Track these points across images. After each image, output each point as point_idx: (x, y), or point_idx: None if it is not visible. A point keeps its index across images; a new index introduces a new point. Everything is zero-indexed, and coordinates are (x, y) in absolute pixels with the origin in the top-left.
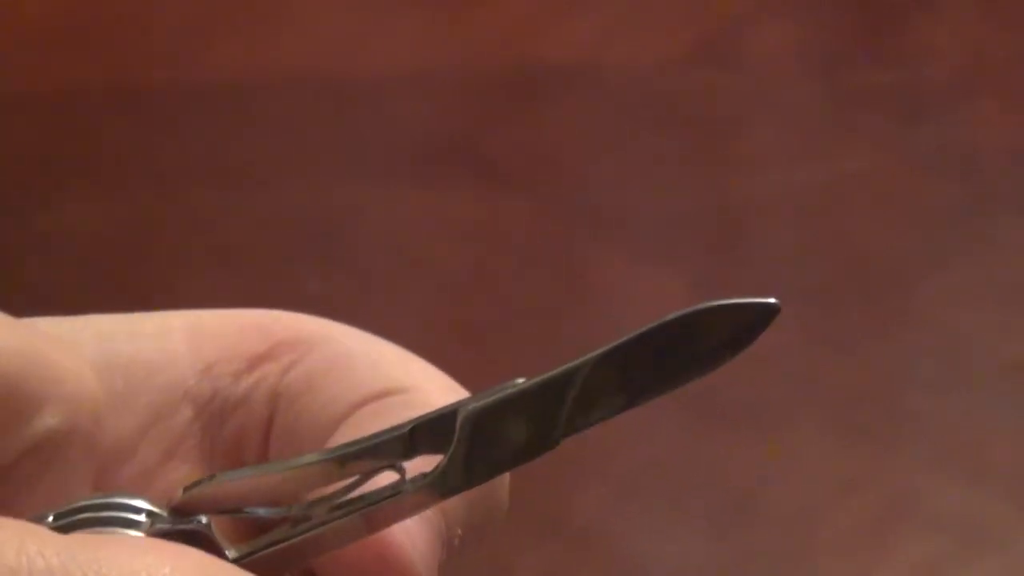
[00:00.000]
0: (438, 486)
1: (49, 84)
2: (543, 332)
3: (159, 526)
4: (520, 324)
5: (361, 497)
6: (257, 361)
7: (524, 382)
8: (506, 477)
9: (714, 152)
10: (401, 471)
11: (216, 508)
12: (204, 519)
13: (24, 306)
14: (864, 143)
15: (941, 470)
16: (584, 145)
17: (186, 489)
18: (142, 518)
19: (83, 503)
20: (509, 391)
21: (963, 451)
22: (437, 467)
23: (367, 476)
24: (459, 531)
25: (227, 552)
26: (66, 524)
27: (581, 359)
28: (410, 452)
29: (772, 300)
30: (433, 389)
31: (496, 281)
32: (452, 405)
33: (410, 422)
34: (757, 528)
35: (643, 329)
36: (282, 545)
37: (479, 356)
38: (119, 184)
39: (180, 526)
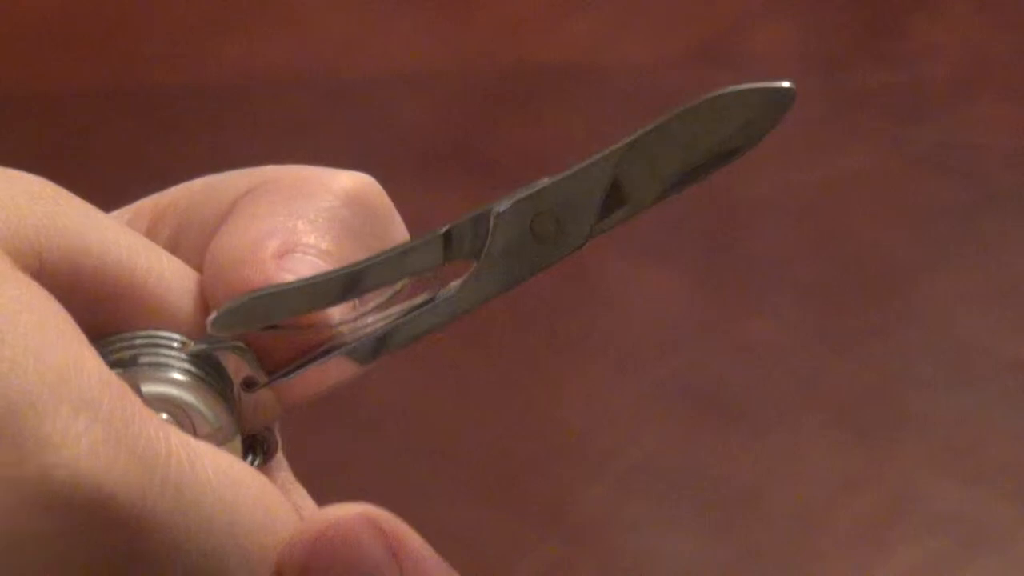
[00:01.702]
0: (474, 289)
1: (49, 84)
2: (543, 332)
3: (197, 347)
4: (520, 324)
5: (398, 309)
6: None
7: (552, 178)
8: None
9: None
10: (434, 280)
11: (249, 326)
12: (239, 342)
13: None
14: (864, 143)
15: (941, 470)
16: (584, 145)
17: (217, 311)
18: (176, 344)
19: (118, 335)
20: (539, 186)
21: (963, 451)
22: (472, 270)
23: (401, 286)
24: None
25: (262, 374)
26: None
27: (608, 149)
28: (447, 256)
29: (787, 84)
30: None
31: None
32: (484, 207)
33: (443, 226)
34: (757, 528)
35: (666, 116)
36: (316, 363)
37: (479, 356)
38: (119, 184)
39: (216, 346)
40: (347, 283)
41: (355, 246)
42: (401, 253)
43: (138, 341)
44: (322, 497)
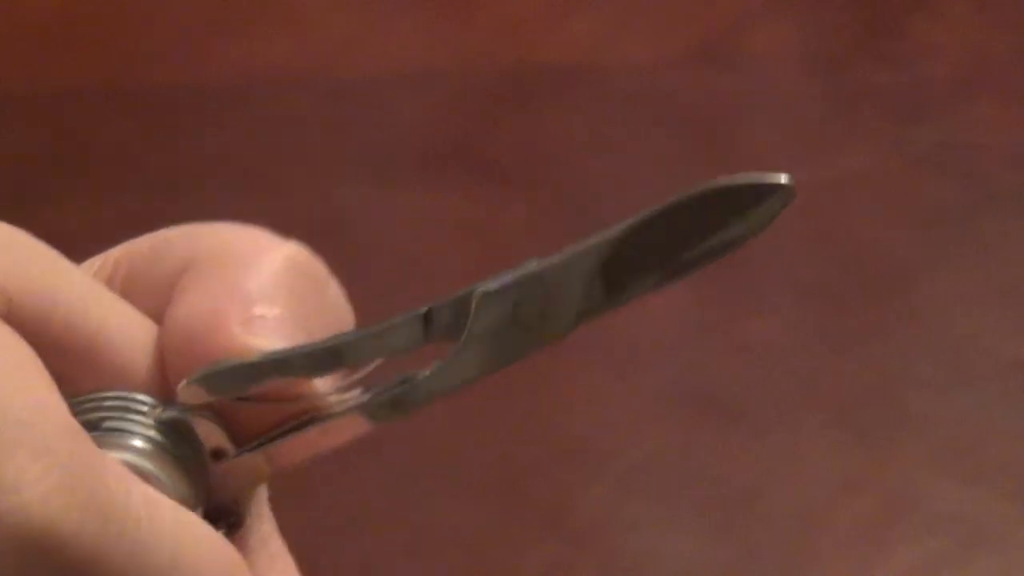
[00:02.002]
0: (451, 372)
1: (49, 84)
2: None
3: (167, 413)
4: None
5: (372, 388)
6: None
7: (540, 262)
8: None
9: (714, 152)
10: (409, 355)
11: (221, 394)
12: (209, 412)
13: None
14: (864, 143)
15: (941, 470)
16: (584, 145)
17: (189, 378)
18: (146, 408)
19: (87, 396)
20: (525, 271)
21: (963, 451)
22: (451, 352)
23: (375, 364)
24: None
25: (231, 445)
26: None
27: (598, 237)
28: (428, 336)
29: (784, 179)
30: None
31: None
32: (467, 289)
33: (424, 306)
34: (757, 528)
35: (659, 207)
36: (286, 438)
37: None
38: (119, 184)
39: (186, 414)
40: (324, 357)
41: (306, 311)
42: (381, 330)
43: (107, 403)
44: (323, 498)
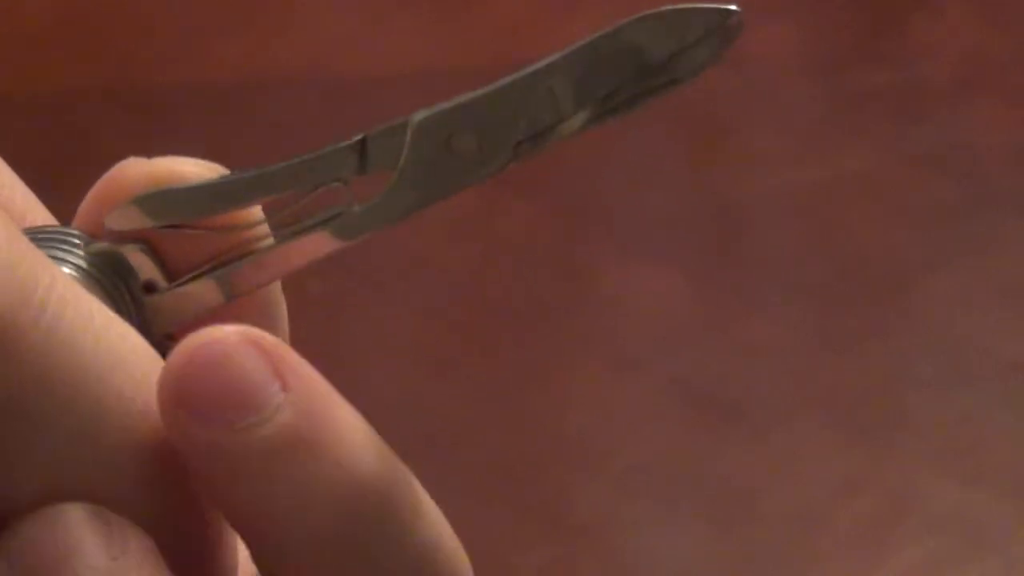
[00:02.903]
0: (388, 204)
1: (49, 84)
2: (543, 332)
3: (97, 245)
4: (520, 324)
5: (310, 220)
6: None
7: (475, 92)
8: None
9: (714, 152)
10: (348, 185)
11: (151, 222)
12: (140, 242)
13: None
14: (864, 143)
15: (941, 470)
16: (584, 145)
17: (118, 206)
18: (79, 240)
19: (22, 230)
20: (460, 100)
21: (963, 451)
22: (388, 183)
23: (313, 191)
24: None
25: (163, 278)
26: None
27: (534, 66)
28: (362, 166)
29: (732, 6)
30: None
31: (496, 281)
32: (402, 117)
33: (361, 132)
34: (757, 528)
35: (595, 35)
36: (221, 270)
37: (478, 355)
38: None
39: (116, 245)
40: (256, 184)
41: None
42: (315, 158)
43: (40, 236)
44: None
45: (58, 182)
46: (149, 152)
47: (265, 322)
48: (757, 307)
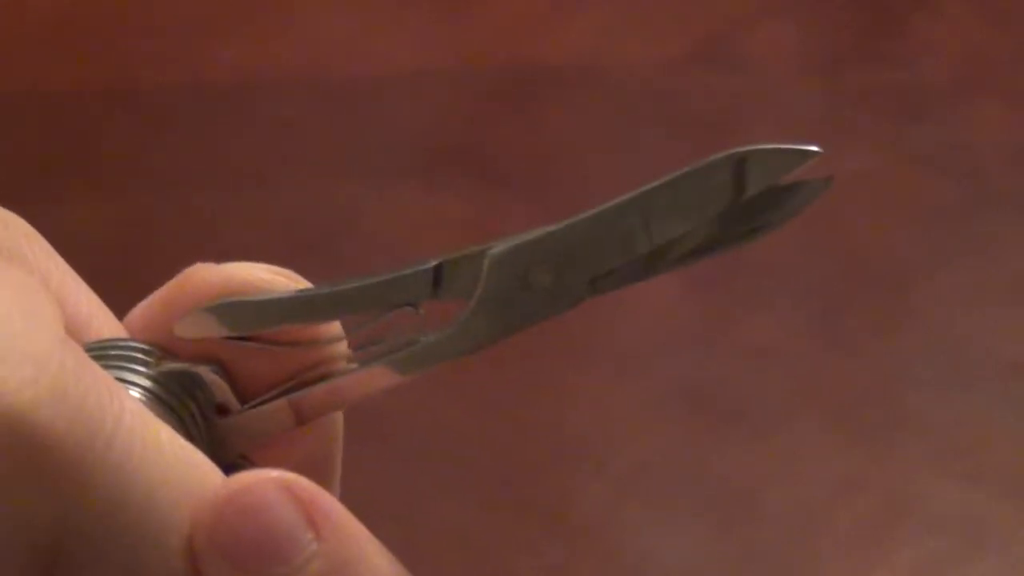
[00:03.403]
0: (462, 336)
1: (49, 84)
2: (543, 332)
3: (171, 364)
4: None
5: (382, 345)
6: None
7: (552, 226)
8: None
9: (714, 152)
10: (420, 310)
11: (220, 331)
12: (212, 364)
13: None
14: (864, 143)
15: (941, 470)
16: (584, 145)
17: (188, 314)
18: (151, 358)
19: (91, 343)
20: (537, 233)
21: (963, 451)
22: (462, 314)
23: (387, 311)
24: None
25: (235, 400)
26: None
27: (615, 201)
28: (436, 292)
29: (814, 147)
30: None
31: None
32: (478, 246)
33: (437, 258)
34: (757, 528)
35: (676, 173)
36: (287, 397)
37: (480, 357)
38: (119, 184)
39: (189, 366)
40: (331, 301)
41: None
42: (391, 279)
43: (111, 352)
44: None
45: (58, 182)
46: (149, 152)
47: (324, 448)
48: (757, 308)
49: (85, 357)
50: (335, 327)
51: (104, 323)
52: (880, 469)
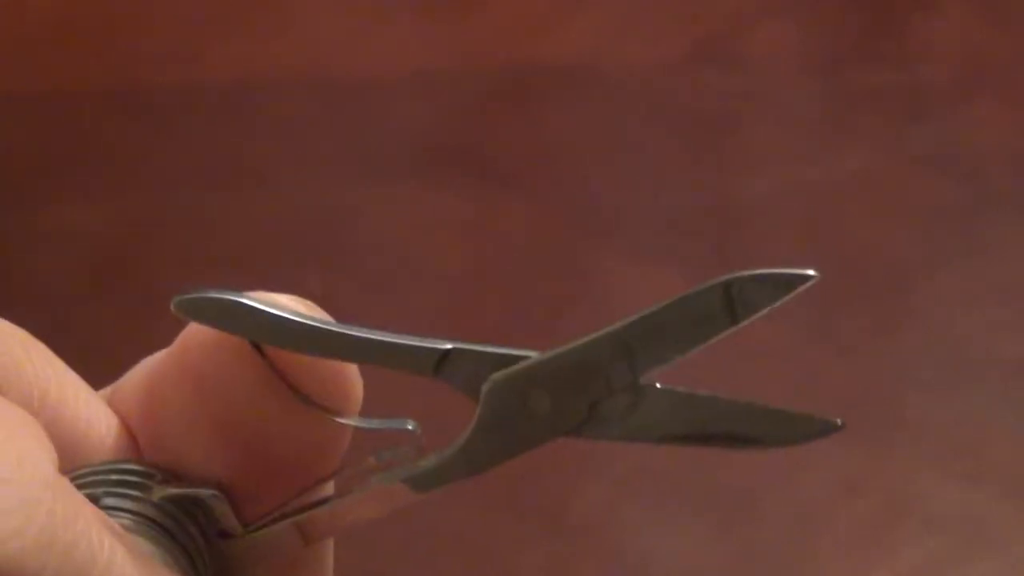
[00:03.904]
0: (461, 460)
1: (49, 84)
2: (543, 332)
3: (171, 490)
4: (520, 324)
5: (381, 468)
6: None
7: (545, 353)
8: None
9: (714, 152)
10: (419, 438)
11: (213, 322)
12: (214, 489)
13: (24, 306)
14: (864, 143)
15: (941, 470)
16: (584, 145)
17: (187, 293)
18: (152, 483)
19: (95, 467)
20: (534, 360)
21: (963, 451)
22: (460, 439)
23: (386, 427)
24: None
25: (237, 524)
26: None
27: (612, 327)
28: (438, 372)
29: (811, 271)
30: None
31: (496, 281)
32: (491, 348)
33: (450, 343)
34: (757, 529)
35: (675, 297)
36: (293, 519)
37: None
38: (119, 184)
39: (192, 490)
40: (324, 338)
41: None
42: (402, 343)
43: (112, 476)
44: None
45: (58, 182)
46: (149, 152)
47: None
48: None
49: (76, 500)
50: (339, 452)
51: (104, 431)
52: (880, 469)
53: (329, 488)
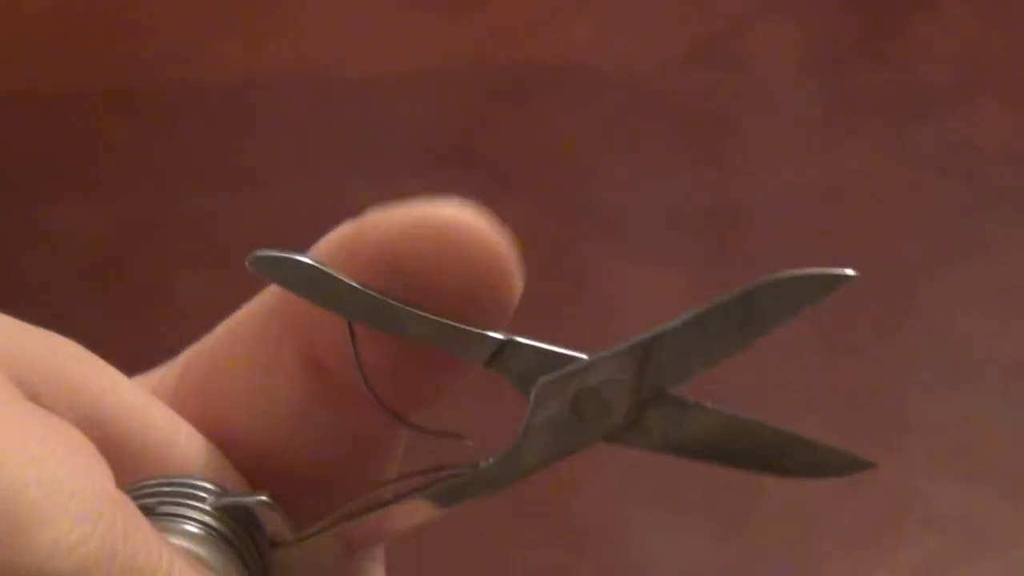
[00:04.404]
0: (509, 465)
1: (49, 84)
2: (543, 332)
3: (224, 500)
4: (520, 324)
5: (435, 471)
6: None
7: (594, 355)
8: None
9: (714, 152)
10: (475, 453)
11: (284, 283)
12: (266, 496)
13: (24, 306)
14: (864, 143)
15: (941, 470)
16: (584, 145)
17: (263, 251)
18: (205, 494)
19: (147, 482)
20: (581, 364)
21: (963, 451)
22: (512, 442)
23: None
24: None
25: (291, 532)
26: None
27: (659, 328)
28: (490, 361)
29: (849, 271)
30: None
31: None
32: (545, 347)
33: (506, 335)
34: (757, 529)
35: (718, 299)
36: (346, 525)
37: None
38: (119, 184)
39: (244, 498)
40: (382, 312)
41: None
42: (457, 326)
43: (165, 488)
44: None
45: (58, 182)
46: (149, 152)
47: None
48: None
49: (135, 512)
50: (391, 466)
51: (160, 440)
52: (880, 469)
53: (379, 496)
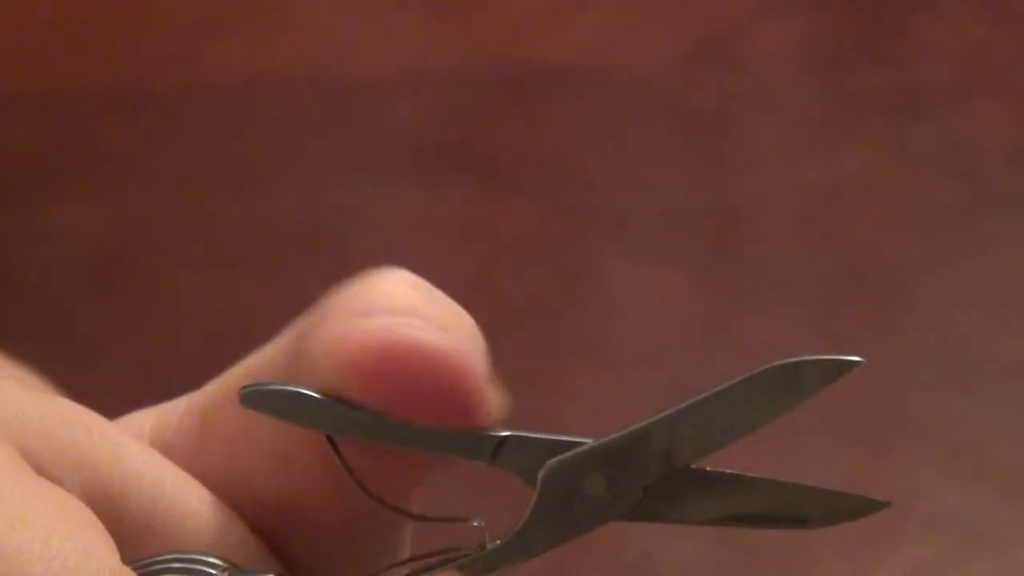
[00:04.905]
0: (518, 546)
1: (49, 84)
2: (543, 332)
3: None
4: (520, 324)
5: (447, 552)
6: None
7: (601, 438)
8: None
9: (714, 152)
10: (483, 533)
11: (276, 414)
12: (277, 575)
13: (24, 306)
14: (864, 143)
15: (941, 470)
16: (584, 145)
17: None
18: (214, 571)
19: (155, 558)
20: (590, 446)
21: (963, 451)
22: (520, 523)
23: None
24: None
25: None
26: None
27: (667, 411)
28: (495, 460)
29: (857, 358)
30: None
31: (496, 281)
32: (546, 435)
33: (507, 431)
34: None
35: (725, 384)
36: None
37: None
38: (119, 184)
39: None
40: (391, 429)
41: None
42: (454, 432)
43: (174, 564)
44: None
45: (58, 182)
46: (149, 152)
47: None
48: (757, 307)
49: None
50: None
51: (171, 506)
52: (880, 469)
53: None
